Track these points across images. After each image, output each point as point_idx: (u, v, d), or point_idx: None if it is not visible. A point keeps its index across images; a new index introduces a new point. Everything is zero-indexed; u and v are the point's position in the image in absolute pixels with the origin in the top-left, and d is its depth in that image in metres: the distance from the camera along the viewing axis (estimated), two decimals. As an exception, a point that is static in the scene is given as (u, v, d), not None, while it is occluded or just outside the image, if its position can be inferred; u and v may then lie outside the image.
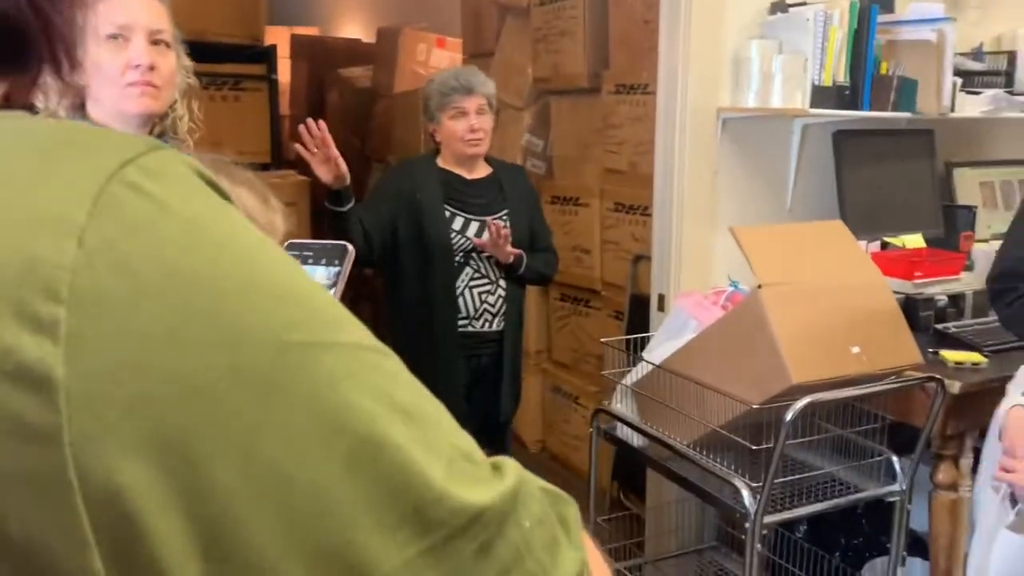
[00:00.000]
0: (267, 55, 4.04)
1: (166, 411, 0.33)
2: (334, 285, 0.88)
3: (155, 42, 1.48)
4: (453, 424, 0.40)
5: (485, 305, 2.45)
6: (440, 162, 2.49)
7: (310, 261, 0.91)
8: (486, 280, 2.43)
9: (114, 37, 1.42)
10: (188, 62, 1.61)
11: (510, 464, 0.42)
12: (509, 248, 2.39)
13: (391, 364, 0.39)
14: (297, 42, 6.41)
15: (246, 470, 0.34)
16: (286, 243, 0.98)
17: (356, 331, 0.39)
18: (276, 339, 0.35)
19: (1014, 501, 1.59)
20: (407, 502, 0.36)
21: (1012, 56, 2.78)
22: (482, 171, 2.50)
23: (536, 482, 0.43)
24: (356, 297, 5.48)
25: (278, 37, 6.26)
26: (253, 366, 0.34)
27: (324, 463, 0.35)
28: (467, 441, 0.40)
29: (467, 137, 2.41)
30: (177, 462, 0.33)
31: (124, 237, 0.34)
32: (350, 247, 0.90)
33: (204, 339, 0.34)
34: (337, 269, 0.89)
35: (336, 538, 0.35)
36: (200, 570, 0.33)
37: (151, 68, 1.45)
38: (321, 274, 0.90)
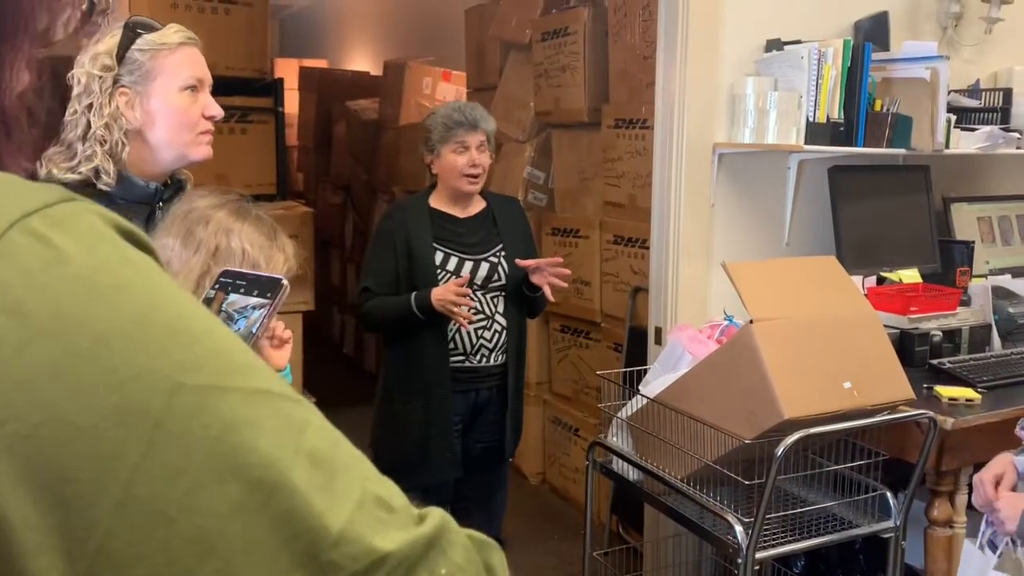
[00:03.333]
0: (274, 88, 4.09)
1: (46, 451, 0.34)
2: (264, 317, 0.89)
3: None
4: (372, 472, 0.41)
5: (482, 341, 2.44)
6: (432, 202, 2.47)
7: (242, 291, 0.93)
8: (482, 316, 2.43)
9: (192, 88, 1.52)
10: None
11: (436, 513, 0.42)
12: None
13: (301, 411, 0.39)
14: (305, 74, 6.51)
15: (127, 510, 0.34)
16: (221, 271, 1.00)
17: (263, 378, 0.39)
18: (170, 382, 0.36)
19: (993, 547, 1.58)
20: (300, 545, 0.36)
21: (1008, 93, 2.80)
22: (476, 207, 2.50)
23: (463, 531, 0.43)
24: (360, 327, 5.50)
25: (287, 69, 6.36)
26: (140, 407, 0.35)
27: (211, 505, 0.35)
28: (387, 489, 0.41)
29: (467, 172, 2.40)
30: (55, 501, 0.33)
31: (18, 282, 0.35)
32: (285, 282, 0.91)
33: (90, 381, 0.35)
34: (268, 302, 0.90)
35: None
36: None
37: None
38: (252, 303, 0.91)
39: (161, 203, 1.51)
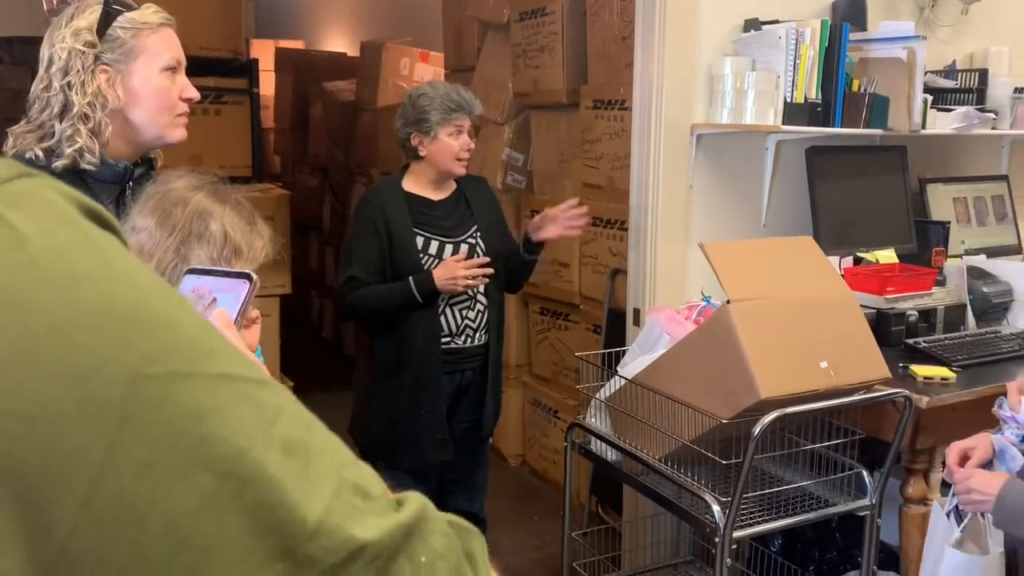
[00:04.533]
0: (249, 69, 4.05)
1: (3, 446, 0.32)
2: (237, 314, 0.88)
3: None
4: (348, 457, 0.40)
5: (466, 321, 2.45)
6: (406, 186, 2.45)
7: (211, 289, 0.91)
8: (464, 296, 2.43)
9: (171, 69, 1.50)
10: None
11: (414, 498, 0.41)
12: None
13: (272, 396, 0.38)
14: (281, 55, 6.44)
15: (91, 507, 0.32)
16: (187, 269, 0.98)
17: (232, 362, 0.37)
18: (131, 371, 0.34)
19: (959, 517, 1.60)
20: (276, 538, 0.35)
21: (983, 74, 2.81)
22: (448, 189, 2.49)
23: (442, 517, 0.42)
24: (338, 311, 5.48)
25: (263, 50, 6.28)
26: (103, 399, 0.33)
27: (181, 499, 0.33)
28: (364, 475, 0.40)
29: (461, 156, 2.40)
30: (13, 497, 0.32)
31: None
32: (254, 276, 0.90)
33: (47, 372, 0.32)
34: (238, 296, 0.89)
35: None
36: None
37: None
38: (224, 300, 0.89)
39: (131, 183, 1.48)
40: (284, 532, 0.35)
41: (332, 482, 0.37)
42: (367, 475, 0.40)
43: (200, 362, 0.36)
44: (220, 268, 1.05)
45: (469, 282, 2.33)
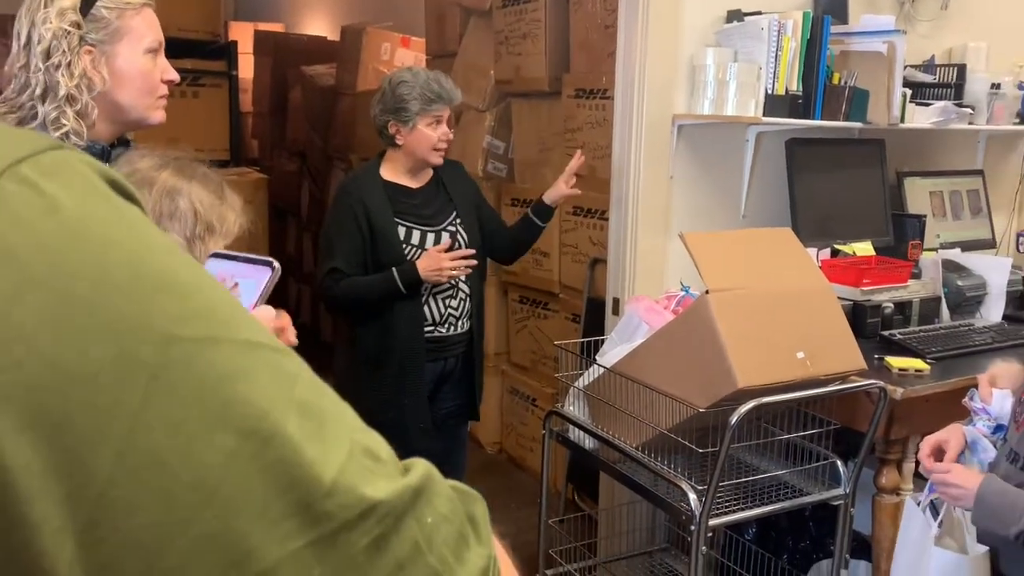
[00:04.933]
0: (227, 51, 4.01)
1: (45, 400, 0.34)
2: (257, 298, 0.88)
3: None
4: (359, 423, 0.42)
5: (449, 310, 2.45)
6: (384, 173, 2.43)
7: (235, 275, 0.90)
8: (447, 285, 2.43)
9: (153, 51, 1.48)
10: None
11: (420, 463, 0.43)
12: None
13: (290, 363, 0.40)
14: (260, 38, 6.36)
15: (126, 458, 0.34)
16: (211, 253, 0.98)
17: (253, 330, 0.39)
18: (163, 333, 0.36)
19: (935, 511, 1.62)
20: (294, 495, 0.37)
21: (961, 69, 2.84)
22: (426, 176, 2.48)
23: (447, 482, 0.44)
24: (316, 297, 5.45)
25: (241, 33, 6.21)
26: (138, 358, 0.35)
27: (207, 454, 0.36)
28: (373, 440, 0.42)
29: (439, 146, 2.39)
30: (56, 448, 0.34)
31: (10, 229, 0.34)
32: (276, 264, 0.89)
33: (88, 330, 0.34)
34: (259, 282, 0.88)
35: (217, 527, 0.36)
36: (74, 556, 0.34)
37: None
38: (246, 286, 0.89)
39: (109, 164, 1.47)
40: (301, 489, 0.37)
41: (345, 444, 0.39)
42: (376, 440, 0.42)
43: (226, 328, 0.38)
44: (243, 254, 1.04)
45: (453, 273, 2.34)
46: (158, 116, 1.52)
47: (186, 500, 0.35)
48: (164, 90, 1.52)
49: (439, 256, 2.32)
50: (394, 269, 2.33)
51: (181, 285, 0.38)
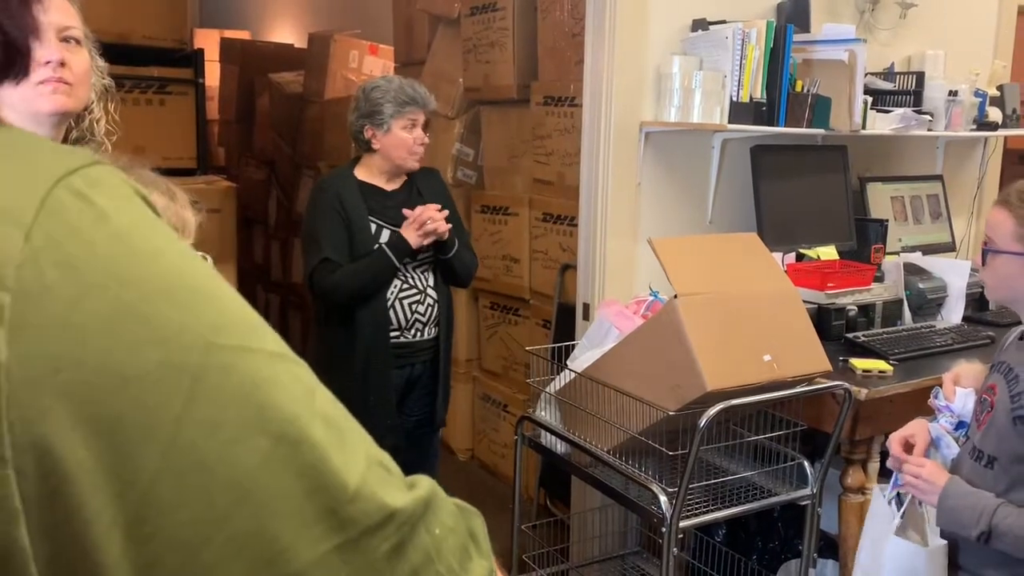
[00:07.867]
0: (194, 59, 3.97)
1: (100, 399, 0.36)
2: None
3: (64, 39, 1.42)
4: (368, 436, 0.44)
5: (416, 315, 2.44)
6: (359, 174, 2.45)
7: None
8: (415, 290, 2.43)
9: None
10: (102, 63, 1.56)
11: (424, 479, 0.45)
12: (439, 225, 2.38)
13: (308, 375, 0.42)
14: (227, 45, 6.32)
15: (170, 457, 0.36)
16: None
17: (275, 342, 0.42)
18: (204, 340, 0.38)
19: (899, 503, 1.65)
20: (322, 499, 0.39)
21: (920, 76, 2.90)
22: (400, 179, 2.49)
23: (449, 498, 0.46)
24: (284, 305, 5.42)
25: (208, 40, 6.16)
26: (182, 363, 0.37)
27: (244, 456, 0.37)
28: (382, 453, 0.44)
29: (415, 150, 2.41)
30: (108, 445, 0.35)
31: (68, 238, 0.37)
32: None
33: (138, 335, 0.37)
34: None
35: (252, 526, 0.37)
36: (123, 550, 0.36)
37: (62, 64, 1.38)
38: None
39: None
40: (329, 494, 0.39)
41: (363, 454, 0.41)
42: (385, 455, 0.44)
43: (256, 338, 0.40)
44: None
45: (439, 224, 2.34)
46: (48, 103, 1.34)
47: (223, 498, 0.37)
48: (44, 74, 1.32)
49: (419, 217, 2.34)
50: (382, 244, 2.34)
51: (217, 296, 0.40)
